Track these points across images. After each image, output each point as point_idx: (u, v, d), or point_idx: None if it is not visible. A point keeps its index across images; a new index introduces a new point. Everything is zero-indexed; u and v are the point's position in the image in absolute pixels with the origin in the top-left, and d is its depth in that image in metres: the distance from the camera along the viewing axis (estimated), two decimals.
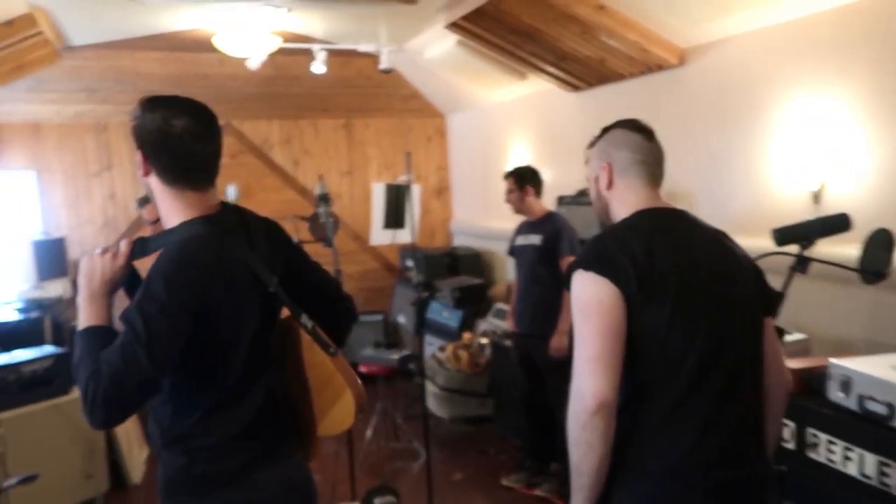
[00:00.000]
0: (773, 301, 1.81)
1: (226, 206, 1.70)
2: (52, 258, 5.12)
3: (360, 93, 6.85)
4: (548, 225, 4.01)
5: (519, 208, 4.12)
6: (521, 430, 4.28)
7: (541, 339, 3.91)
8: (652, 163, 1.75)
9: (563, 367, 3.87)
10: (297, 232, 3.99)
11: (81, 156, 6.13)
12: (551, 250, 3.92)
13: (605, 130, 1.81)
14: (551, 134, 5.37)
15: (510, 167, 5.79)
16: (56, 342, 4.23)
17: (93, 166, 6.15)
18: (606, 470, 1.53)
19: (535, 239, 4.01)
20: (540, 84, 5.15)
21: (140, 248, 1.62)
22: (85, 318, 1.55)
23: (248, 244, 1.65)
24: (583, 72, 4.50)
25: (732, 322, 1.61)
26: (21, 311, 4.20)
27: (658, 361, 1.55)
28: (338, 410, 1.75)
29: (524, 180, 4.09)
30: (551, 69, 4.63)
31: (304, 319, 1.74)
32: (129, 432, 4.31)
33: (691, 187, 3.91)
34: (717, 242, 1.70)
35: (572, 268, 1.62)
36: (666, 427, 1.55)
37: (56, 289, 5.01)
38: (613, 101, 4.50)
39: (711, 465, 1.54)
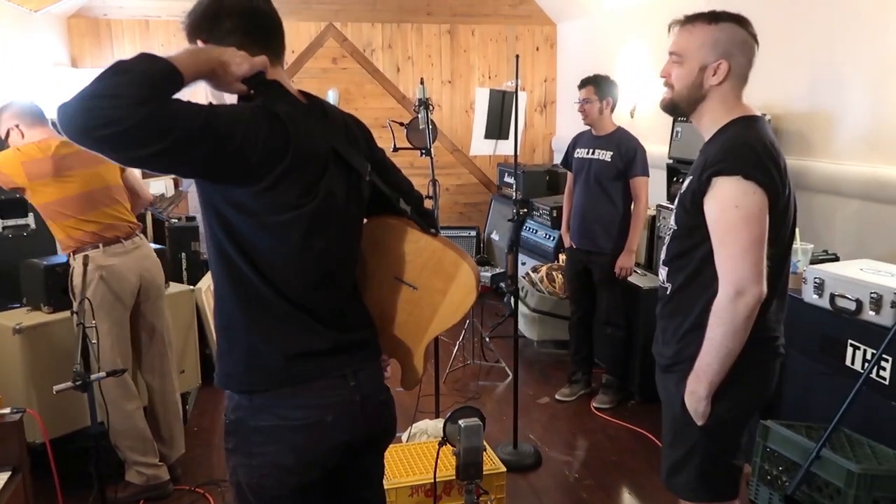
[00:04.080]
0: None
1: (307, 94, 1.56)
2: None
3: None
4: (620, 141, 3.91)
5: (593, 120, 3.97)
6: (582, 348, 4.32)
7: (604, 255, 3.96)
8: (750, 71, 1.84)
9: (618, 282, 3.97)
10: (395, 138, 3.85)
11: None
12: (623, 168, 3.85)
13: (720, 19, 1.78)
14: None
15: (624, 81, 5.40)
16: (157, 239, 4.31)
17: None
18: None
19: (604, 154, 3.92)
20: None
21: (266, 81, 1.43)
22: (173, 57, 1.28)
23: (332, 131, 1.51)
24: None
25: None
26: None
27: (774, 262, 1.76)
28: (456, 289, 1.60)
29: (606, 91, 3.93)
30: None
31: (402, 204, 1.60)
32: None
33: (832, 105, 3.46)
34: None
35: (724, 172, 1.70)
36: (768, 313, 1.82)
37: (158, 186, 5.08)
38: (749, 7, 3.97)
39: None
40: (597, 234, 3.96)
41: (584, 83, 3.97)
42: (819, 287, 2.80)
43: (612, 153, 3.88)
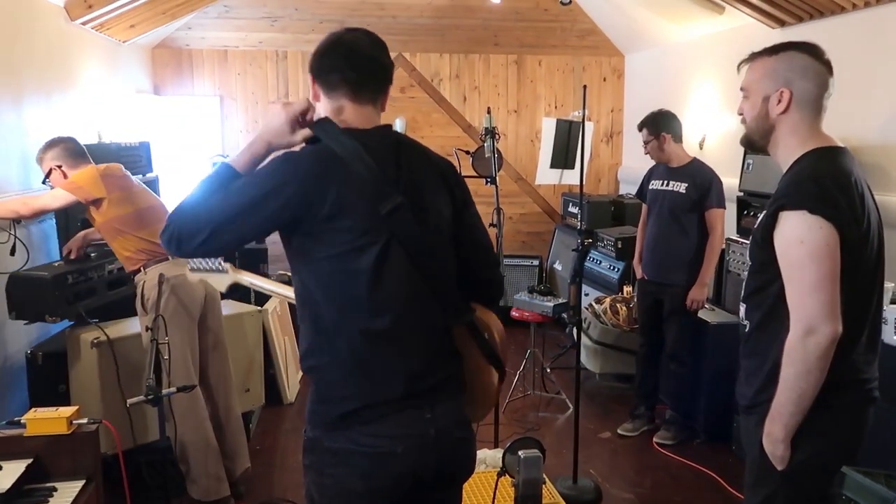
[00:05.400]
0: None
1: (383, 128, 1.61)
2: None
3: (535, 27, 6.56)
4: (696, 173, 3.88)
5: (660, 157, 3.99)
6: (647, 382, 4.25)
7: (676, 287, 3.89)
8: (826, 99, 1.78)
9: (689, 316, 3.88)
10: (460, 166, 3.88)
11: (262, 83, 6.36)
12: (698, 200, 3.81)
13: (780, 49, 1.79)
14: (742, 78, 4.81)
15: (693, 112, 5.33)
16: (226, 258, 4.44)
17: (271, 93, 6.37)
18: None
19: (678, 185, 3.89)
20: (739, 18, 4.59)
21: (322, 126, 1.55)
22: (235, 156, 1.60)
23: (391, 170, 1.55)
24: (793, 3, 3.92)
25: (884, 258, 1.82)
26: None
27: (856, 298, 1.70)
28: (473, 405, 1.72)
29: (658, 126, 3.94)
30: (756, 0, 4.08)
31: (479, 333, 1.64)
32: (286, 352, 4.49)
33: None
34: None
35: (789, 207, 1.66)
36: (854, 354, 1.73)
37: None
38: (826, 40, 3.87)
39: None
40: (669, 266, 3.92)
41: (640, 126, 4.03)
42: None
43: (686, 185, 3.85)
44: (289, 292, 1.76)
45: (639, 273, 4.17)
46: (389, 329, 1.51)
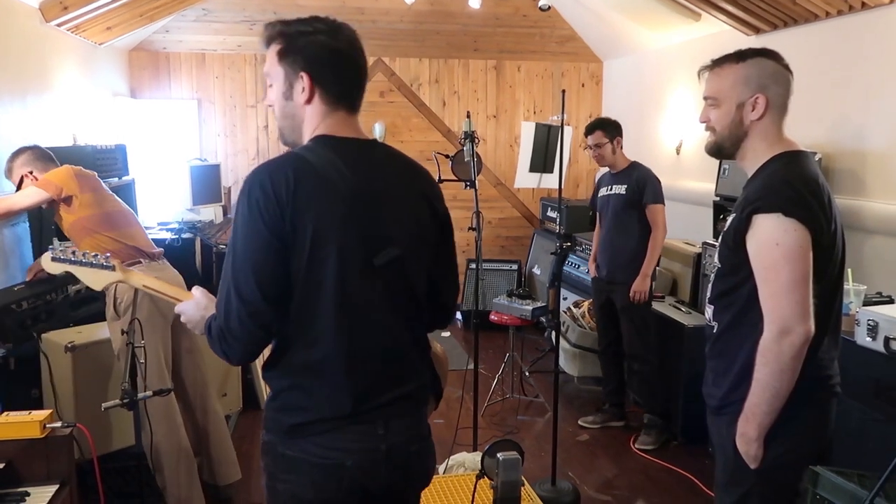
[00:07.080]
0: None
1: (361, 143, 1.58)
2: (207, 184, 5.32)
3: (514, 32, 6.60)
4: (633, 174, 4.05)
5: (604, 160, 4.12)
6: (612, 380, 4.36)
7: (624, 285, 3.98)
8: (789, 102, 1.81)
9: (639, 312, 3.97)
10: (440, 170, 3.89)
11: (240, 86, 6.33)
12: (636, 199, 3.96)
13: (748, 55, 1.79)
14: None
15: (670, 118, 5.39)
16: (204, 264, 4.40)
17: (249, 97, 6.34)
18: None
19: (619, 189, 4.06)
20: (715, 25, 4.66)
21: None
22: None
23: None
24: (768, 11, 3.99)
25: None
26: (175, 231, 4.38)
27: (823, 298, 1.72)
28: None
29: (614, 131, 4.07)
30: (731, 8, 4.14)
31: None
32: (263, 356, 4.45)
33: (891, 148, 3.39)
34: None
35: (763, 210, 1.68)
36: (819, 352, 1.76)
37: (208, 213, 5.21)
38: (800, 47, 3.97)
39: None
40: (618, 265, 4.06)
41: (592, 128, 4.10)
42: (873, 330, 2.72)
43: (626, 186, 4.01)
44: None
45: (592, 272, 4.31)
46: (345, 347, 1.48)
